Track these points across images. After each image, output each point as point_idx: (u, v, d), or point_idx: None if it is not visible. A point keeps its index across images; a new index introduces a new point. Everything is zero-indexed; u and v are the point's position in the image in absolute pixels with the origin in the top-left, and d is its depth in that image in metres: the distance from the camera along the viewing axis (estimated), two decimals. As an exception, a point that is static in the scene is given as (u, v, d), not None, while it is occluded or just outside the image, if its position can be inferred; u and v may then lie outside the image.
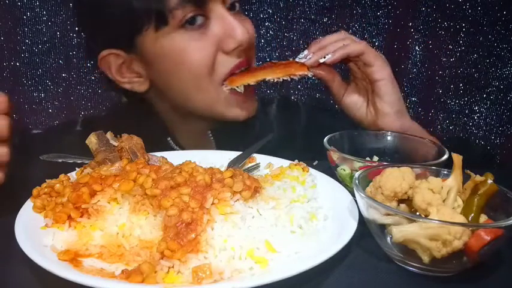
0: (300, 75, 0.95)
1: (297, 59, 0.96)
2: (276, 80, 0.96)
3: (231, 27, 0.94)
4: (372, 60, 0.94)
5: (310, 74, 0.96)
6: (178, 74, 0.97)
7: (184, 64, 0.95)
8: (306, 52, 0.97)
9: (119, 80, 1.03)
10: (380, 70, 0.94)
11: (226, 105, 1.00)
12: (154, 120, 1.10)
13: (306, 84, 1.75)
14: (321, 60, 0.94)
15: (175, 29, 0.93)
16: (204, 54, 0.94)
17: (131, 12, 0.92)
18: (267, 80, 0.96)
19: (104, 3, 0.96)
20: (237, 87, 0.97)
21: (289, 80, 0.96)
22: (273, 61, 0.97)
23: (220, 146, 1.09)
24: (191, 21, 0.93)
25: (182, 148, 1.11)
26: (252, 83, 0.97)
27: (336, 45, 0.95)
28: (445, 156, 0.81)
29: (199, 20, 0.94)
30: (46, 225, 0.66)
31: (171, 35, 0.94)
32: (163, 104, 1.08)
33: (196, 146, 1.10)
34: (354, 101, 1.01)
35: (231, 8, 0.97)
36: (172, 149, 1.09)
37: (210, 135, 1.12)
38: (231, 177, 0.69)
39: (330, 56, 0.93)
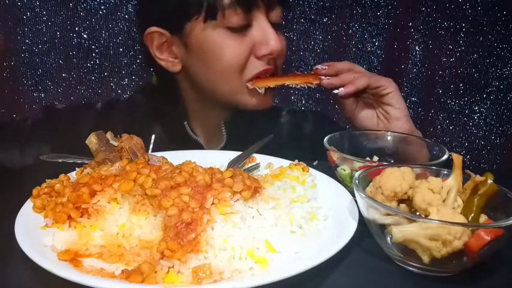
0: (316, 84, 1.05)
1: (318, 68, 1.05)
2: (293, 86, 1.05)
3: (267, 36, 1.03)
4: (378, 83, 1.03)
5: (324, 79, 1.04)
6: (211, 65, 1.06)
7: (219, 59, 1.05)
8: (325, 68, 1.05)
9: (157, 56, 1.11)
10: (388, 86, 1.03)
11: (249, 96, 1.09)
12: (177, 105, 1.19)
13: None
14: (335, 91, 1.04)
15: (221, 26, 1.02)
16: (238, 54, 1.04)
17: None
18: (285, 85, 1.05)
19: None
20: (259, 88, 1.06)
21: (305, 87, 1.05)
22: (296, 72, 1.09)
23: (231, 138, 1.18)
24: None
25: (196, 135, 1.20)
26: (272, 86, 1.05)
27: (347, 76, 1.04)
28: (445, 156, 0.81)
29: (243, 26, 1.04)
30: (46, 225, 0.66)
31: (216, 30, 1.03)
32: (189, 90, 1.17)
33: (209, 136, 1.21)
34: (366, 114, 1.09)
35: (274, 26, 1.07)
36: (187, 133, 1.18)
37: (223, 127, 1.19)
38: (231, 177, 0.69)
39: (342, 89, 1.03)
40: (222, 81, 1.07)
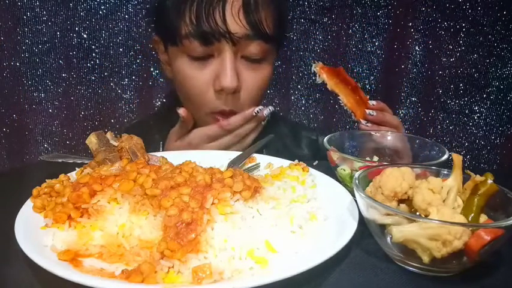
0: (357, 119, 1.02)
1: (370, 103, 1.02)
2: (342, 104, 1.02)
3: (222, 72, 1.02)
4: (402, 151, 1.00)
5: (364, 124, 1.02)
6: (181, 88, 1.11)
7: (181, 84, 1.09)
8: (375, 103, 1.02)
9: (160, 59, 1.19)
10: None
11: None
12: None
13: (306, 84, 1.76)
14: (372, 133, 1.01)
15: (183, 54, 1.05)
16: (197, 84, 1.05)
17: (160, 21, 1.08)
18: (337, 97, 1.02)
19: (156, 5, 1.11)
20: (319, 76, 1.01)
21: (348, 112, 1.03)
22: (359, 86, 1.04)
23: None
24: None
25: None
26: (328, 88, 1.01)
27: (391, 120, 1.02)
28: (445, 156, 0.81)
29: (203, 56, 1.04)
30: (46, 225, 0.66)
31: (180, 57, 1.06)
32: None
33: None
34: None
35: (250, 59, 1.05)
36: None
37: None
38: (231, 177, 0.69)
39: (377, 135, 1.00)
40: (188, 103, 1.10)
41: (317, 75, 1.01)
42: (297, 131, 1.37)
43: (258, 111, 1.02)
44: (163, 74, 1.22)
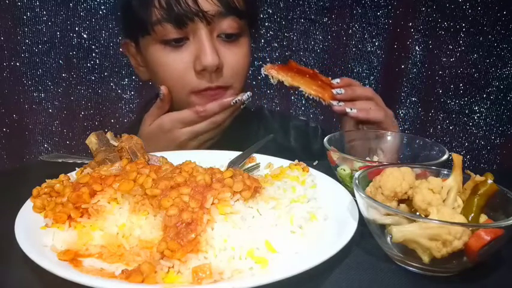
0: (327, 103, 1.01)
1: (334, 83, 1.01)
2: (306, 95, 1.01)
3: (201, 51, 1.02)
4: (387, 125, 1.03)
5: (336, 105, 1.01)
6: (157, 77, 1.10)
7: (158, 72, 1.08)
8: (339, 81, 1.02)
9: (133, 64, 1.18)
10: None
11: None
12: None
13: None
14: (347, 110, 1.00)
15: (156, 41, 1.04)
16: (175, 69, 1.04)
17: (128, 14, 1.06)
18: (299, 90, 1.01)
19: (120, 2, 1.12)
20: (272, 77, 1.01)
21: (317, 100, 1.01)
22: (316, 71, 1.02)
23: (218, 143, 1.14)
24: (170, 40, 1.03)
25: None
26: (286, 84, 1.01)
27: (364, 105, 1.01)
28: (445, 156, 0.81)
29: (178, 39, 1.03)
30: (46, 225, 0.66)
31: (153, 45, 1.05)
32: None
33: None
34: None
35: (226, 36, 1.05)
36: None
37: None
38: (231, 177, 0.69)
39: (355, 111, 1.00)
40: (171, 91, 1.07)
41: (270, 77, 1.01)
42: (287, 122, 1.38)
43: (236, 101, 1.01)
44: (139, 78, 1.20)
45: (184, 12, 0.98)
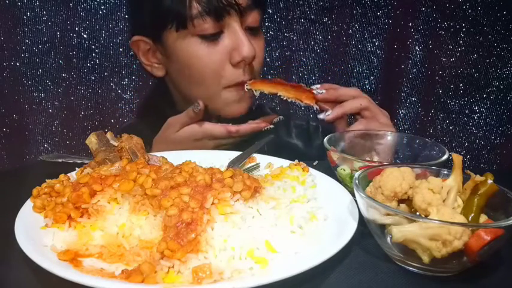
0: (306, 103, 1.04)
1: (313, 89, 1.04)
2: (285, 98, 1.05)
3: (239, 43, 1.04)
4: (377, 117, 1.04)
5: (315, 107, 1.04)
6: (187, 72, 1.09)
7: (192, 67, 1.08)
8: (319, 86, 1.05)
9: (143, 61, 1.17)
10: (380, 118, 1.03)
11: (223, 104, 1.12)
12: (171, 102, 1.24)
13: (306, 84, 1.75)
14: (320, 116, 1.04)
15: (193, 35, 1.04)
16: (211, 62, 1.06)
17: (159, 9, 1.05)
18: (278, 95, 1.05)
19: None
20: (255, 90, 1.06)
21: (296, 102, 1.05)
22: (302, 85, 1.06)
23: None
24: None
25: None
26: (266, 92, 1.06)
27: (353, 103, 1.03)
28: (445, 156, 0.81)
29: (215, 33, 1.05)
30: (46, 225, 0.66)
31: (188, 39, 1.05)
32: (175, 91, 1.21)
33: None
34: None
35: (251, 30, 1.09)
36: None
37: None
38: (231, 177, 0.69)
39: (330, 115, 1.03)
40: (197, 87, 1.10)
41: (253, 90, 1.06)
42: (288, 120, 1.40)
43: (269, 129, 1.06)
44: (150, 75, 1.20)
45: (223, 5, 1.01)
